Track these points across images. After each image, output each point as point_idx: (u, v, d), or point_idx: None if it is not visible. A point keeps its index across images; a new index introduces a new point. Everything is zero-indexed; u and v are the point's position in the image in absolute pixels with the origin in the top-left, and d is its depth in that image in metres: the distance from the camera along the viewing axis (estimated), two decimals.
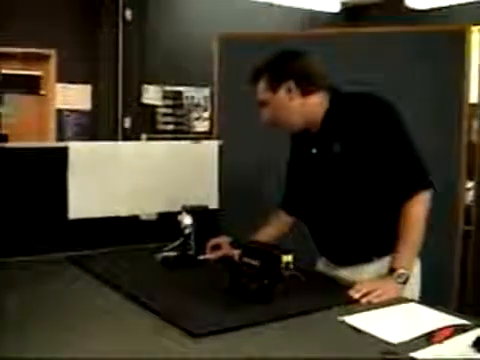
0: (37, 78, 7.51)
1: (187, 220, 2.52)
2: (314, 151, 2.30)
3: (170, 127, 8.33)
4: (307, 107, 2.24)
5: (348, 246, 2.30)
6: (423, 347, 1.58)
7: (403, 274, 2.09)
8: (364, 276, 2.21)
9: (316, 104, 2.25)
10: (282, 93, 2.22)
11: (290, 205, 2.55)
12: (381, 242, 2.24)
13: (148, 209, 2.93)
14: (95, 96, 7.75)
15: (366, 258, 2.27)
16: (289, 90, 2.22)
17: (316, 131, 2.28)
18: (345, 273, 2.30)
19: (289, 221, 2.56)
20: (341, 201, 2.26)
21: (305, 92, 2.23)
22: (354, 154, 2.18)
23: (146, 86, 8.07)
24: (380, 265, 2.22)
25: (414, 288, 2.26)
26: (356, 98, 2.24)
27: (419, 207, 2.16)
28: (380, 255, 2.24)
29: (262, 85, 2.25)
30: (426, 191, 2.18)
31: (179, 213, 2.57)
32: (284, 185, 2.57)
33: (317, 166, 2.31)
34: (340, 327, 1.75)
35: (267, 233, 2.49)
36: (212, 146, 3.15)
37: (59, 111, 7.56)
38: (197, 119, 8.53)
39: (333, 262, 2.39)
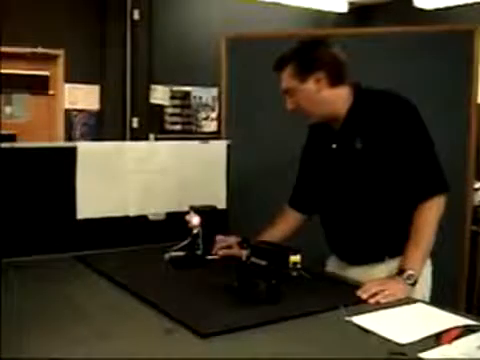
0: (45, 78, 7.52)
1: (195, 220, 2.52)
2: (334, 146, 2.29)
3: (178, 127, 8.33)
4: (334, 98, 2.22)
5: (361, 244, 2.30)
6: (431, 347, 1.58)
7: (412, 275, 2.08)
8: (375, 276, 2.20)
9: (342, 96, 2.23)
10: (311, 83, 2.19)
11: (300, 202, 2.55)
12: (395, 242, 2.23)
13: (156, 209, 2.94)
14: (103, 96, 7.76)
15: (379, 257, 2.27)
16: (318, 81, 2.19)
17: (338, 126, 2.27)
18: (356, 272, 2.30)
19: (297, 220, 2.56)
20: (358, 198, 2.26)
21: (334, 83, 2.20)
22: (376, 151, 2.18)
23: (154, 86, 8.07)
24: (392, 265, 2.20)
25: (424, 289, 2.26)
26: (382, 96, 2.23)
27: (433, 211, 2.16)
28: (393, 255, 2.23)
29: (288, 73, 2.20)
30: (442, 196, 2.18)
31: (187, 213, 2.57)
32: (296, 181, 2.57)
33: (337, 161, 2.30)
34: (347, 327, 1.75)
35: (274, 233, 2.49)
36: (220, 146, 3.15)
37: (67, 111, 7.57)
38: (205, 119, 8.53)
39: (345, 260, 2.39)
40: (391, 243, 2.25)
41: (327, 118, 2.27)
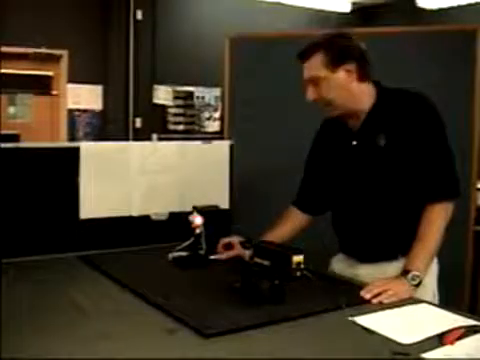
0: (48, 78, 7.52)
1: (198, 220, 2.52)
2: (355, 143, 2.27)
3: (181, 127, 8.33)
4: (360, 93, 2.21)
5: (376, 242, 2.29)
6: (434, 348, 1.58)
7: (417, 276, 2.07)
8: (388, 273, 2.18)
9: (367, 93, 2.23)
10: (341, 74, 2.16)
11: (306, 202, 2.54)
12: (408, 240, 2.19)
13: (159, 209, 2.94)
14: (106, 96, 7.77)
15: (391, 255, 2.26)
16: (349, 72, 2.17)
17: (358, 123, 2.25)
18: (367, 270, 2.29)
19: (301, 220, 2.55)
20: (375, 195, 2.25)
21: (362, 78, 2.19)
22: (398, 149, 2.17)
23: (157, 86, 8.07)
24: (404, 264, 2.17)
25: (435, 288, 2.27)
26: (405, 95, 2.22)
27: (443, 214, 2.16)
28: (406, 253, 2.19)
29: (317, 62, 2.15)
30: (452, 200, 2.19)
31: (190, 213, 2.57)
32: (302, 181, 2.56)
33: (357, 158, 2.28)
34: (351, 327, 1.75)
35: (278, 233, 2.48)
36: (223, 146, 3.14)
37: (70, 111, 7.58)
38: (208, 119, 8.53)
39: (356, 258, 2.37)
40: (405, 241, 2.21)
41: (348, 112, 2.23)
